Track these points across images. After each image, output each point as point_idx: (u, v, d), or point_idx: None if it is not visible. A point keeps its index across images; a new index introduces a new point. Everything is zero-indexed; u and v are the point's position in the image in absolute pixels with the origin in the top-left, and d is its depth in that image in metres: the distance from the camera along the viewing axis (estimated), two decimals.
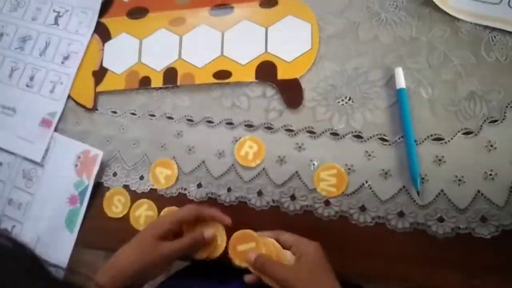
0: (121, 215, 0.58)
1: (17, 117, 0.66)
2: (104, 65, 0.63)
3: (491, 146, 0.45)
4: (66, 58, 0.66)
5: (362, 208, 0.48)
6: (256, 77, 0.55)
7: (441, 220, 0.46)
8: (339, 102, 0.52)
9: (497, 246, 0.44)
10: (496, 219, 0.44)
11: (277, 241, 0.47)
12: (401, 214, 0.47)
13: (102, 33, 0.65)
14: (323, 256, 0.44)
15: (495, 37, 0.48)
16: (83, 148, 0.61)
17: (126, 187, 0.59)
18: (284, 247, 0.46)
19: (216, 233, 0.48)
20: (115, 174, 0.60)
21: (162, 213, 0.55)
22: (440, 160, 0.47)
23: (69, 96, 0.64)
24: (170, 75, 0.59)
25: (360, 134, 0.50)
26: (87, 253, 0.58)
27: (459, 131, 0.47)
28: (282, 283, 0.42)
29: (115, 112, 0.62)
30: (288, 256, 0.45)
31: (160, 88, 0.60)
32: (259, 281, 0.45)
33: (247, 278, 0.46)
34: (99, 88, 0.63)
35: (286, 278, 0.42)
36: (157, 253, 0.44)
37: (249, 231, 0.47)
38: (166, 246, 0.45)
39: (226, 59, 0.57)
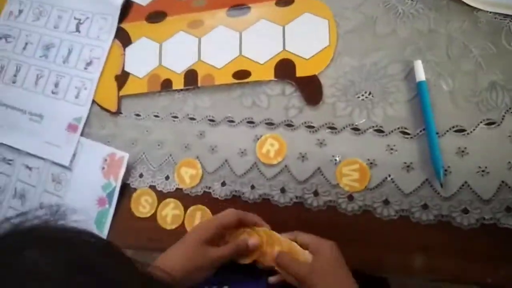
0: (148, 215, 0.59)
1: (44, 123, 0.68)
2: (126, 69, 0.65)
3: None
4: (88, 64, 0.68)
5: (386, 202, 0.49)
6: (275, 76, 0.55)
7: (465, 211, 0.46)
8: (358, 97, 0.52)
9: None
10: None
11: (295, 241, 0.48)
12: (425, 207, 0.47)
13: (123, 38, 0.67)
14: (339, 254, 0.45)
15: None
16: (109, 151, 0.63)
17: (152, 187, 0.60)
18: (302, 247, 0.47)
19: (261, 238, 0.48)
20: (141, 175, 0.61)
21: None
22: (463, 151, 0.47)
23: (93, 101, 0.66)
24: (190, 77, 0.60)
25: (381, 128, 0.50)
26: None
27: (481, 122, 0.47)
28: (302, 280, 0.44)
29: (138, 115, 0.64)
30: (306, 255, 0.46)
31: (182, 90, 0.61)
32: (283, 282, 0.46)
33: (272, 279, 0.48)
34: (122, 92, 0.64)
35: (304, 274, 0.44)
36: (205, 258, 0.45)
37: (271, 232, 0.48)
38: (214, 251, 0.46)
39: (244, 59, 0.58)
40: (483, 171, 0.46)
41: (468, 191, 0.46)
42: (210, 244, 0.47)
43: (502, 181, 0.45)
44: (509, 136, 0.46)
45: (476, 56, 0.48)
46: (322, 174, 0.52)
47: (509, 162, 0.45)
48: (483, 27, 0.48)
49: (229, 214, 0.49)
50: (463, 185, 0.46)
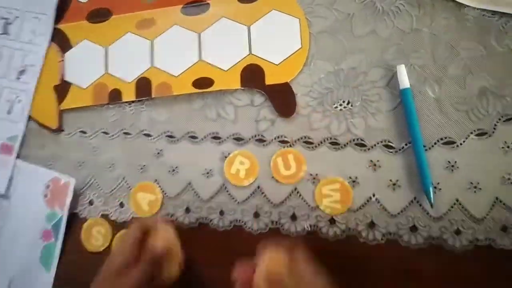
0: (102, 248, 0.52)
1: None
2: (67, 78, 0.56)
3: (508, 147, 0.42)
4: (22, 72, 0.58)
5: (371, 225, 0.44)
6: (242, 84, 0.49)
7: (457, 232, 0.42)
8: (336, 107, 0.46)
9: None
10: None
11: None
12: (413, 229, 0.43)
13: (61, 41, 0.57)
14: None
15: (506, 23, 0.43)
16: (51, 175, 0.54)
17: (105, 216, 0.52)
18: None
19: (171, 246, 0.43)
20: (91, 203, 0.53)
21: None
22: (452, 166, 0.43)
23: (29, 117, 0.57)
24: (143, 86, 0.52)
25: (362, 141, 0.45)
26: None
27: (471, 133, 0.43)
28: None
29: (84, 132, 0.55)
30: None
31: (133, 102, 0.53)
32: None
33: None
34: (63, 106, 0.55)
35: None
36: None
37: None
38: (124, 282, 0.40)
39: (205, 64, 0.50)
40: (475, 187, 0.42)
41: (460, 210, 0.42)
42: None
43: (496, 198, 0.41)
44: (502, 147, 0.42)
45: (464, 59, 0.44)
46: (300, 196, 0.46)
47: (503, 177, 0.41)
48: (471, 26, 0.44)
49: (130, 228, 0.43)
50: (454, 204, 0.42)
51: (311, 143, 0.47)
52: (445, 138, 0.43)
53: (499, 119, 0.42)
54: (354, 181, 0.45)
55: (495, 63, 0.43)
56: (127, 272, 0.40)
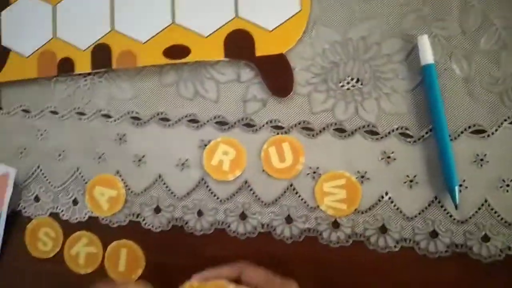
0: (52, 254, 0.44)
1: None
2: (4, 43, 0.46)
3: None
4: None
5: (382, 229, 0.37)
6: (226, 54, 0.40)
7: (485, 239, 0.36)
8: (343, 85, 0.39)
9: None
10: None
11: (239, 281, 0.35)
12: (433, 234, 0.36)
13: None
14: None
15: None
16: None
17: (54, 215, 0.44)
18: None
19: None
20: (37, 199, 0.45)
21: None
22: (481, 159, 0.36)
23: None
24: (101, 54, 0.43)
25: (374, 128, 0.38)
26: None
27: (505, 120, 0.36)
28: None
29: (27, 111, 0.46)
30: None
31: (89, 74, 0.44)
32: None
33: None
34: (0, 78, 0.46)
35: None
36: None
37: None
38: None
39: (180, 28, 0.41)
40: (507, 185, 0.36)
41: (489, 212, 0.36)
42: None
43: None
44: None
45: (499, 30, 0.36)
46: (296, 193, 0.39)
47: None
48: None
49: None
50: (482, 205, 0.36)
51: (311, 129, 0.39)
52: (474, 126, 0.36)
53: None
54: (363, 177, 0.38)
55: None
56: None
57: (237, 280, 0.33)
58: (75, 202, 0.43)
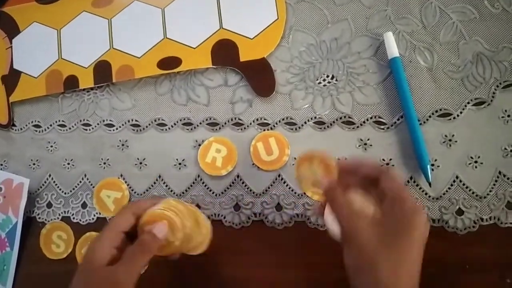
0: (64, 255, 0.46)
1: None
2: (16, 67, 0.49)
3: (508, 116, 0.38)
4: None
5: None
6: (214, 62, 0.43)
7: (459, 212, 0.38)
8: (320, 82, 0.42)
9: None
10: None
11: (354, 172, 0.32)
12: None
13: (7, 25, 0.50)
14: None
15: None
16: (3, 176, 0.48)
17: (66, 219, 0.46)
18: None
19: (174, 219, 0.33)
20: (49, 205, 0.47)
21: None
22: (450, 140, 0.39)
23: None
24: (102, 70, 0.46)
25: (350, 119, 0.41)
26: None
27: (468, 103, 0.39)
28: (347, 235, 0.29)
29: (38, 126, 0.49)
30: None
31: (92, 89, 0.47)
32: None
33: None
34: (13, 98, 0.49)
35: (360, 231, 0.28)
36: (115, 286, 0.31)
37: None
38: (121, 272, 0.31)
39: (171, 42, 0.45)
40: (475, 161, 0.38)
41: (460, 187, 0.38)
42: (119, 258, 0.32)
43: (499, 172, 0.38)
44: (502, 117, 0.38)
45: (456, 23, 0.40)
46: (284, 182, 0.41)
47: (505, 149, 0.38)
48: None
49: (120, 214, 0.33)
50: (454, 181, 0.38)
51: (294, 124, 0.42)
52: (440, 110, 0.39)
53: (497, 86, 0.39)
54: None
55: (488, 26, 0.39)
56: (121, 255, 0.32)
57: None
58: (84, 205, 0.46)
